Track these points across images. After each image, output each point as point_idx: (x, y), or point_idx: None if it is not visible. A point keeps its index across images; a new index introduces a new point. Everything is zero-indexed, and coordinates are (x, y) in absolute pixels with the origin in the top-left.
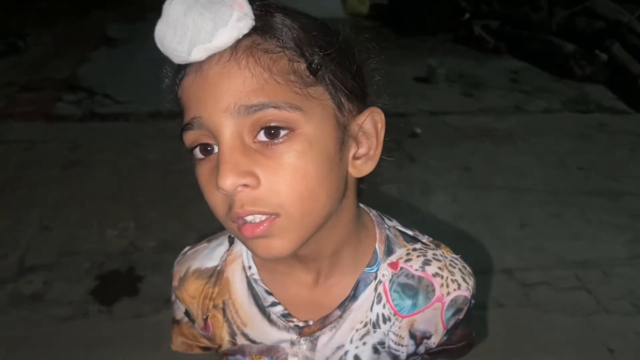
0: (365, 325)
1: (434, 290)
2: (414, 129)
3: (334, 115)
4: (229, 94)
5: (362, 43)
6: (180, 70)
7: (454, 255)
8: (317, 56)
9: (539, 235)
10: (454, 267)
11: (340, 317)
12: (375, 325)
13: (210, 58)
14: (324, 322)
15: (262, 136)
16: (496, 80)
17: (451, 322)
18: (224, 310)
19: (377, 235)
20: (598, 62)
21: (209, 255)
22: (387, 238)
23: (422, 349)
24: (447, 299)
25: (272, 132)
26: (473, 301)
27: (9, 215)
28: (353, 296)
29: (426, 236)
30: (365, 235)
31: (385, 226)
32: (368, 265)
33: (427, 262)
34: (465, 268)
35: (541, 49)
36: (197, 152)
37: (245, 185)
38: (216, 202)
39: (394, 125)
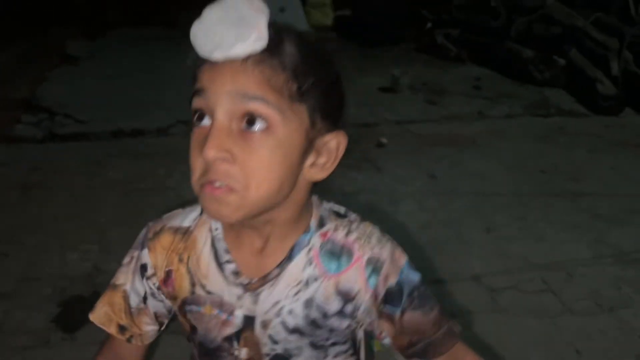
0: (298, 284)
1: (352, 253)
2: (380, 139)
3: (305, 129)
4: (234, 82)
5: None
6: (202, 58)
7: (375, 227)
8: (307, 84)
9: (504, 239)
10: (372, 235)
11: (277, 275)
12: (307, 284)
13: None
14: (264, 280)
15: (245, 125)
16: (459, 88)
17: (379, 286)
18: (187, 263)
19: (314, 213)
20: (556, 66)
21: (183, 217)
22: (321, 215)
23: (349, 308)
24: (364, 259)
25: (253, 121)
26: (416, 278)
27: None
28: (289, 258)
29: (355, 214)
30: (305, 213)
31: (322, 207)
32: (302, 234)
33: (349, 233)
34: (384, 236)
35: (501, 55)
36: (195, 119)
37: (223, 160)
38: (196, 165)
39: (363, 136)
